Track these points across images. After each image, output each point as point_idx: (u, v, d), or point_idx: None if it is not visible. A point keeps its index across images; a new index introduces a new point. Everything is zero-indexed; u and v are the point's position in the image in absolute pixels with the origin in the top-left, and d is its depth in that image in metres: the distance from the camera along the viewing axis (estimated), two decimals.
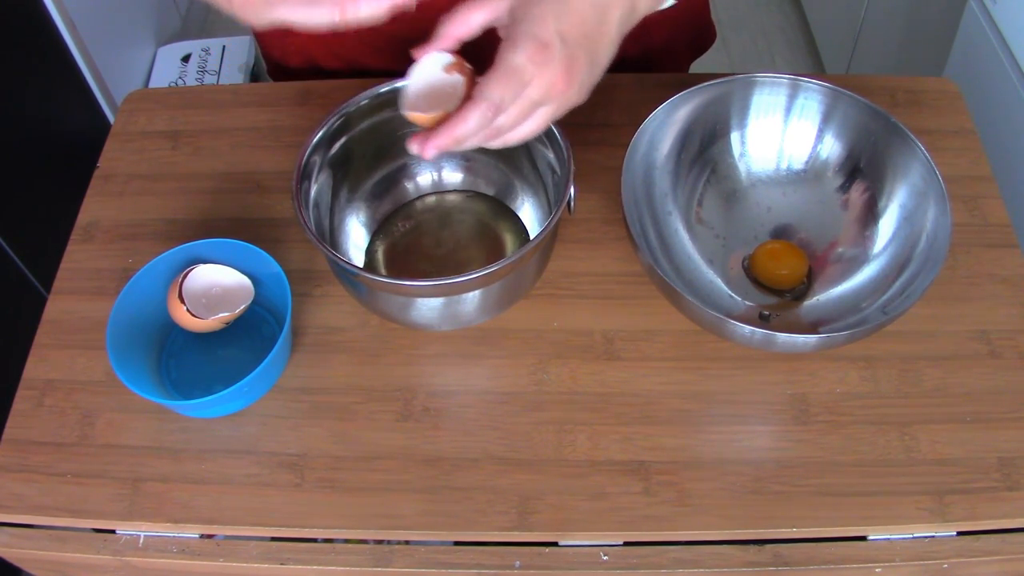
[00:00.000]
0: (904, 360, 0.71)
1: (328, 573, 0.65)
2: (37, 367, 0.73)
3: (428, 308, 0.69)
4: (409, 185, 0.80)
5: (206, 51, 2.03)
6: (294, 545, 0.66)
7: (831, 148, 0.76)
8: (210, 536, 0.66)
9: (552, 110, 0.56)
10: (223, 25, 2.28)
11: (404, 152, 0.78)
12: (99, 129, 1.67)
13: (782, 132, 0.77)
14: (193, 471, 0.67)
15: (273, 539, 0.66)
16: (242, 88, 0.90)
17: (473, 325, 0.73)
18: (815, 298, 0.73)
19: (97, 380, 0.72)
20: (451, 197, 0.81)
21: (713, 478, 0.66)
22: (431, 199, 0.80)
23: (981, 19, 1.22)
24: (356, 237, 0.77)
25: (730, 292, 0.74)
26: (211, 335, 0.71)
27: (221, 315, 0.68)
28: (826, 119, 0.75)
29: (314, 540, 0.66)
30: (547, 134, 0.70)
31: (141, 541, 0.66)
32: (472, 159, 0.79)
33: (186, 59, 2.01)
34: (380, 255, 0.77)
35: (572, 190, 0.66)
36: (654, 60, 0.92)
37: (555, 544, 0.65)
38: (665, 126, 0.74)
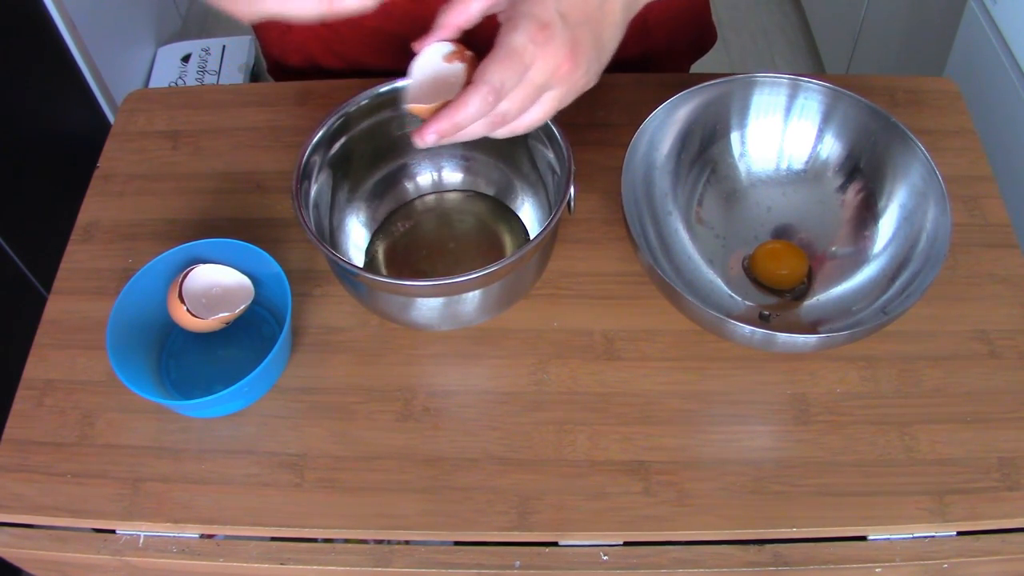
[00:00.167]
0: (904, 360, 0.71)
1: (328, 573, 0.65)
2: (37, 367, 0.73)
3: (428, 308, 0.69)
4: (409, 185, 0.80)
5: (206, 51, 2.03)
6: (294, 545, 0.66)
7: (831, 148, 0.76)
8: (210, 536, 0.66)
9: (559, 94, 0.54)
10: (223, 25, 2.27)
11: (404, 152, 0.78)
12: (99, 129, 1.67)
13: (782, 132, 0.77)
14: (193, 471, 0.67)
15: (273, 539, 0.66)
16: (242, 88, 0.90)
17: (473, 325, 0.73)
18: (815, 298, 0.73)
19: (97, 380, 0.72)
20: (451, 197, 0.81)
21: (713, 478, 0.66)
22: (431, 199, 0.80)
23: (981, 19, 1.22)
24: (356, 237, 0.77)
25: (730, 292, 0.74)
26: (211, 335, 0.71)
27: (221, 315, 0.68)
28: (826, 119, 0.75)
29: (314, 540, 0.66)
30: (547, 134, 0.70)
31: (141, 541, 0.66)
32: (472, 159, 0.79)
33: (186, 59, 2.01)
34: (380, 255, 0.77)
35: (572, 190, 0.66)
36: (654, 61, 0.92)
37: (555, 544, 0.65)
38: (665, 126, 0.74)
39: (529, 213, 0.78)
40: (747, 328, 0.63)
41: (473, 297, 0.67)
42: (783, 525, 0.64)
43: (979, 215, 0.78)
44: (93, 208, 0.82)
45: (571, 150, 0.67)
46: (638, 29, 0.60)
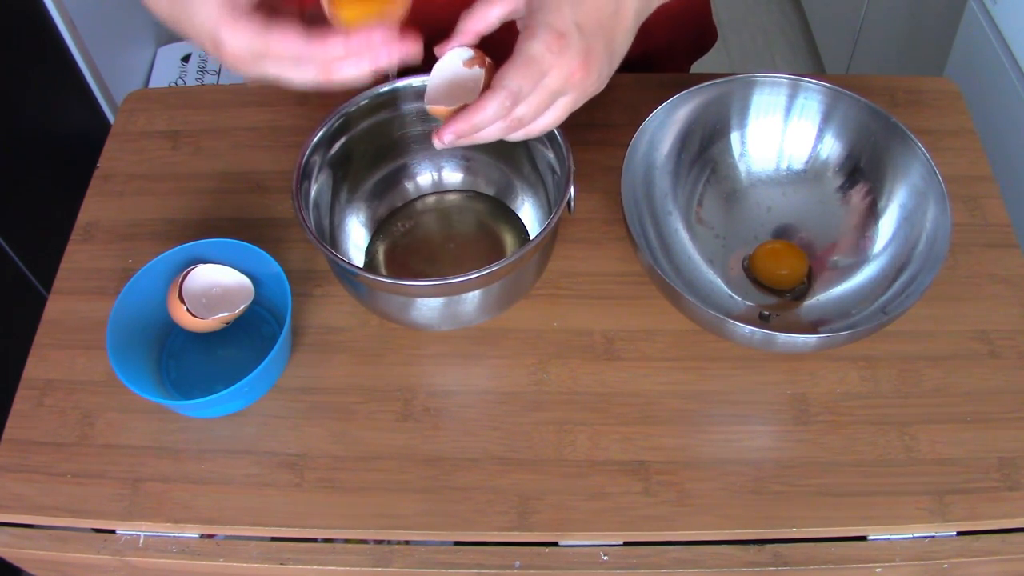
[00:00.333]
0: (904, 360, 0.71)
1: (328, 573, 0.65)
2: (37, 367, 0.73)
3: (428, 308, 0.69)
4: (409, 185, 0.80)
5: None
6: (294, 545, 0.66)
7: (831, 148, 0.76)
8: (210, 536, 0.66)
9: (572, 100, 0.57)
10: None
11: (404, 152, 0.78)
12: (99, 129, 1.67)
13: (782, 132, 0.77)
14: (193, 471, 0.67)
15: (273, 539, 0.66)
16: (242, 88, 0.90)
17: (473, 325, 0.73)
18: (815, 298, 0.73)
19: (97, 380, 0.72)
20: (451, 197, 0.81)
21: (713, 478, 0.66)
22: (431, 199, 0.80)
23: (981, 19, 1.22)
24: (356, 237, 0.77)
25: (730, 292, 0.74)
26: (211, 335, 0.71)
27: (221, 315, 0.68)
28: (826, 119, 0.75)
29: (314, 540, 0.66)
30: (547, 134, 0.70)
31: (141, 541, 0.66)
32: (472, 159, 0.79)
33: (186, 59, 2.01)
34: (380, 255, 0.77)
35: (572, 190, 0.66)
36: (655, 60, 0.92)
37: (555, 544, 0.65)
38: (665, 126, 0.74)
39: (529, 213, 0.78)
40: (747, 328, 0.63)
41: (473, 297, 0.67)
42: (783, 525, 0.64)
43: (979, 215, 0.78)
44: (93, 208, 0.82)
45: (571, 150, 0.68)
46: (639, 28, 0.61)
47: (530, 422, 0.69)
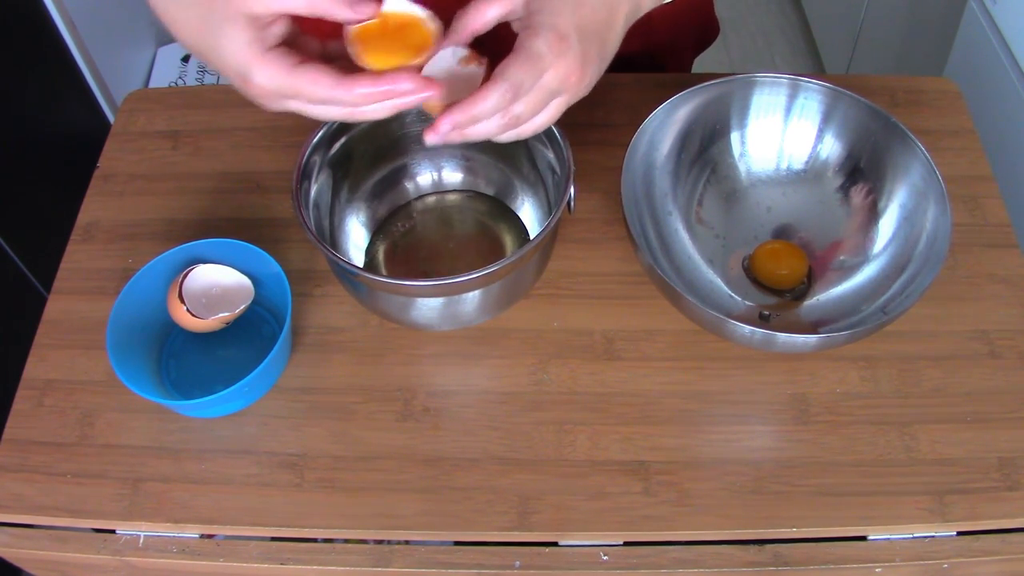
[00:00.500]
0: (904, 360, 0.71)
1: (328, 573, 0.65)
2: (37, 367, 0.73)
3: (428, 308, 0.69)
4: (409, 185, 0.80)
5: None
6: (294, 545, 0.66)
7: (831, 148, 0.76)
8: (210, 536, 0.66)
9: (565, 101, 0.57)
10: None
11: (404, 152, 0.78)
12: (99, 129, 1.67)
13: (782, 132, 0.77)
14: (193, 471, 0.67)
15: (273, 539, 0.66)
16: None
17: (473, 325, 0.73)
18: (815, 298, 0.73)
19: (97, 380, 0.72)
20: (451, 197, 0.81)
21: (713, 478, 0.66)
22: (431, 199, 0.80)
23: (981, 19, 1.22)
24: (356, 237, 0.77)
25: (730, 292, 0.74)
26: (211, 335, 0.71)
27: (221, 315, 0.68)
28: (826, 119, 0.75)
29: (314, 540, 0.66)
30: (547, 134, 0.70)
31: (141, 541, 0.66)
32: (472, 159, 0.79)
33: (186, 59, 2.01)
34: (380, 255, 0.77)
35: (572, 190, 0.66)
36: (658, 56, 0.92)
37: (555, 544, 0.65)
38: (665, 126, 0.74)
39: (529, 213, 0.78)
40: (747, 328, 0.63)
41: (473, 297, 0.67)
42: (783, 525, 0.64)
43: (979, 215, 0.78)
44: (93, 208, 0.82)
45: (571, 150, 0.68)
46: (642, 24, 0.61)
47: (530, 422, 0.69)
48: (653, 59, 0.92)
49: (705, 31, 0.98)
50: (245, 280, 0.71)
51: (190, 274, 0.69)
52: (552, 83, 0.55)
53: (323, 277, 0.76)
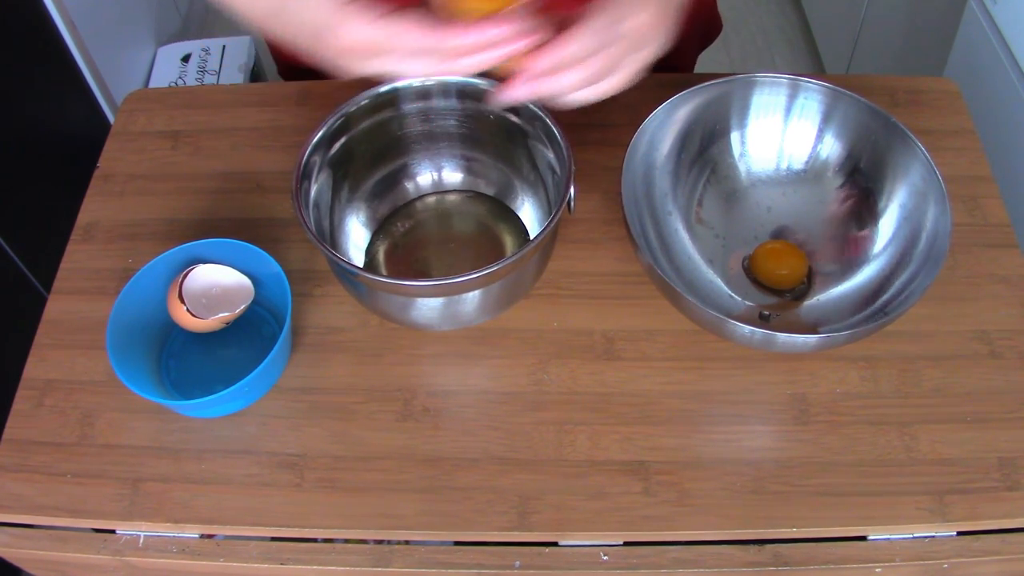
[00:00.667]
0: (904, 360, 0.71)
1: (328, 573, 0.65)
2: (37, 367, 0.73)
3: (428, 308, 0.69)
4: (409, 185, 0.80)
5: (206, 51, 2.02)
6: (294, 545, 0.66)
7: (831, 148, 0.76)
8: (210, 536, 0.66)
9: (642, 57, 0.56)
10: (223, 25, 2.27)
11: (404, 152, 0.78)
12: (99, 129, 1.67)
13: (782, 132, 0.77)
14: (193, 471, 0.67)
15: (273, 539, 0.66)
16: (242, 88, 0.90)
17: (473, 325, 0.73)
18: (815, 298, 0.73)
19: (97, 380, 0.72)
20: (451, 197, 0.81)
21: (713, 478, 0.66)
22: (431, 199, 0.80)
23: (981, 19, 1.22)
24: (356, 237, 0.77)
25: (730, 292, 0.74)
26: (211, 335, 0.71)
27: (221, 315, 0.68)
28: (826, 119, 0.75)
29: (314, 540, 0.66)
30: (547, 134, 0.70)
31: (141, 541, 0.66)
32: (472, 159, 0.79)
33: (186, 59, 2.01)
34: (380, 255, 0.77)
35: (572, 190, 0.66)
36: (663, 53, 0.92)
37: (555, 544, 0.65)
38: (665, 126, 0.74)
39: (529, 213, 0.78)
40: (747, 328, 0.63)
41: (473, 297, 0.67)
42: (783, 525, 0.64)
43: (979, 215, 0.78)
44: (93, 208, 0.82)
45: (571, 150, 0.67)
46: None
47: (530, 422, 0.69)
48: (658, 57, 0.91)
49: (709, 27, 0.98)
50: (245, 280, 0.71)
51: (190, 274, 0.69)
52: (633, 34, 0.53)
53: (323, 277, 0.76)
